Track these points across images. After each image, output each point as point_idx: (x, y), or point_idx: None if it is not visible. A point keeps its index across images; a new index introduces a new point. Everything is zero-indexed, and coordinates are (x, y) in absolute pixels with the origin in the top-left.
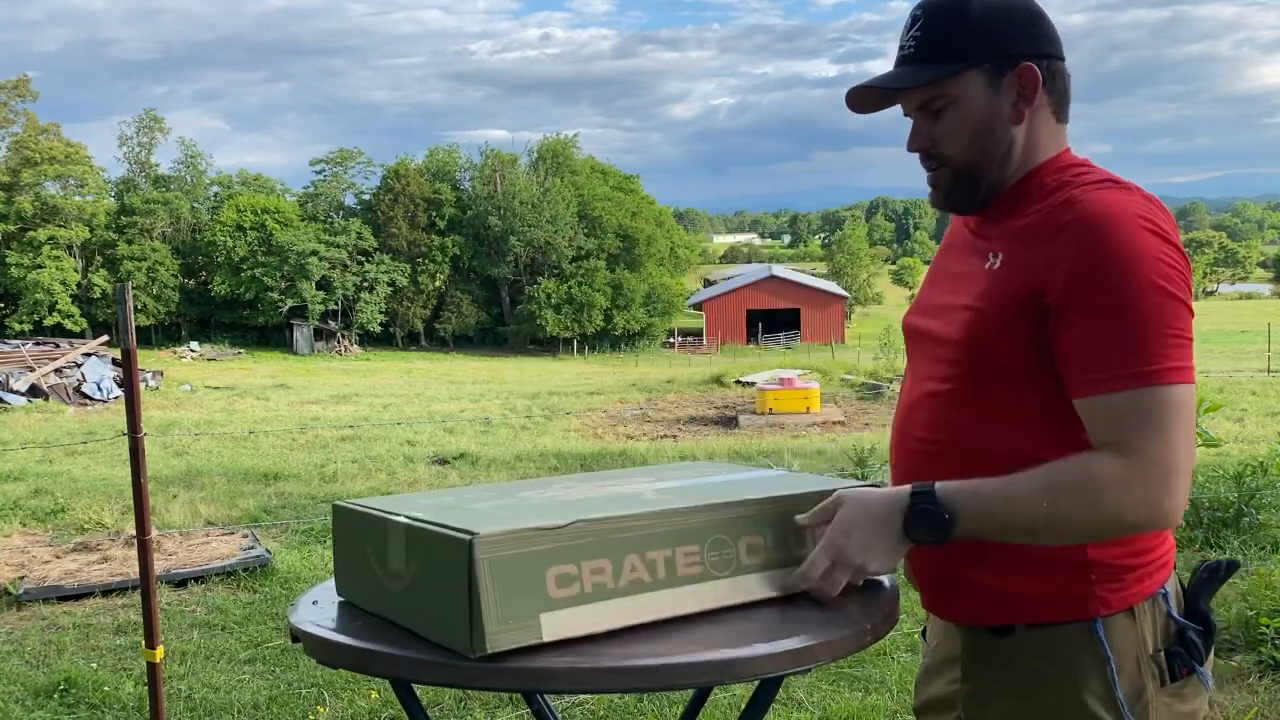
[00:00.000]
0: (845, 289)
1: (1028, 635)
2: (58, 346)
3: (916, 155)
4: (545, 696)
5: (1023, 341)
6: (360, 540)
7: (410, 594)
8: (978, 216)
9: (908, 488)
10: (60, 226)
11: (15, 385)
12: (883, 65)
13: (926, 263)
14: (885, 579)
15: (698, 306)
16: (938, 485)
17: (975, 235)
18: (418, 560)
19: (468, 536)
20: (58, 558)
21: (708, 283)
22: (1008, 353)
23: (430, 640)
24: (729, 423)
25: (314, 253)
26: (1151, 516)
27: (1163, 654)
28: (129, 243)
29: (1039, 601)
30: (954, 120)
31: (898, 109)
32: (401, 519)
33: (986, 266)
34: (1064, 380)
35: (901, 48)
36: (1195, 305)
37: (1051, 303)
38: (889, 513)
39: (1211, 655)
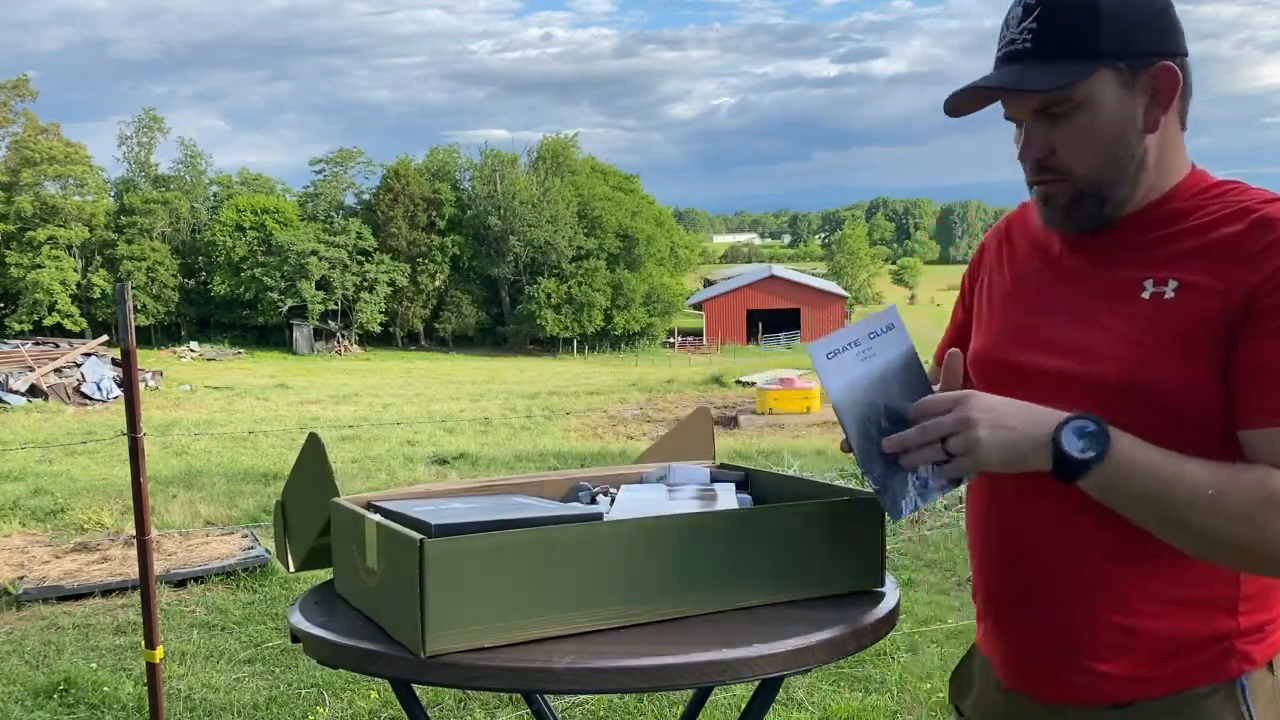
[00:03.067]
0: (845, 289)
1: (1152, 704)
2: (57, 346)
3: (1019, 160)
4: (545, 696)
5: (1205, 377)
6: (348, 538)
7: (380, 591)
8: (1095, 239)
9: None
10: (60, 226)
11: (15, 385)
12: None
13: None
14: (887, 582)
15: (698, 306)
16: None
17: (1096, 261)
18: (385, 558)
19: (419, 537)
20: (57, 558)
21: (708, 282)
22: (1181, 391)
23: (394, 639)
24: (729, 423)
25: (314, 253)
26: None
27: None
28: (129, 243)
29: (1177, 669)
30: (1081, 127)
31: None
32: (373, 517)
33: (1146, 296)
34: (1244, 401)
35: (1011, 41)
36: None
37: (1256, 313)
38: (1044, 414)
39: None
